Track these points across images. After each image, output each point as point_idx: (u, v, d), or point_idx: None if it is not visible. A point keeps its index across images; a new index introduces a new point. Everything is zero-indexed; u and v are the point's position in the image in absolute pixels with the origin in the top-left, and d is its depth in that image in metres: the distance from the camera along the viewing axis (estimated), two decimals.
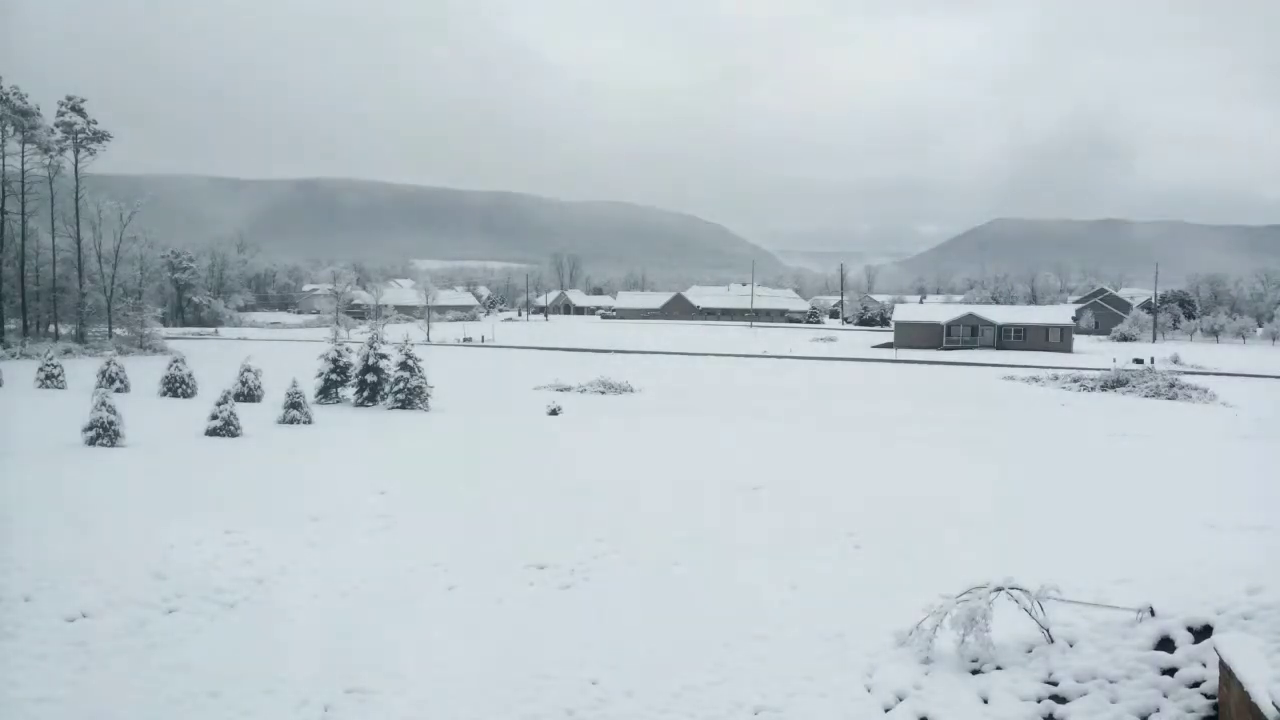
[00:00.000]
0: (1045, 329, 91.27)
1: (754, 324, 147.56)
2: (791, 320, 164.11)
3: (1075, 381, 54.25)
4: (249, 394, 33.57)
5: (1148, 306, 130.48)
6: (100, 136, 70.01)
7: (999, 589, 10.24)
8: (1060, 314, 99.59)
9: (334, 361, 36.13)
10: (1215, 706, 8.44)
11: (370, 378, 35.06)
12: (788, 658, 10.57)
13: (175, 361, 38.03)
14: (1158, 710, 8.66)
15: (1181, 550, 14.07)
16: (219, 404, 25.96)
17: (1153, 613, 9.86)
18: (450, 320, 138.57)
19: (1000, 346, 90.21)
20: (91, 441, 23.04)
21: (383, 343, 36.15)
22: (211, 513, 15.96)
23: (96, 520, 15.25)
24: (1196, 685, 8.72)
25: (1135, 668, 9.16)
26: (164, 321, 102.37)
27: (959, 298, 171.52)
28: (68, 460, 20.93)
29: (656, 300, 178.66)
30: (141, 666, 10.30)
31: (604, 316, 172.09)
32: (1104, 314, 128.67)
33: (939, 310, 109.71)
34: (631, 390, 45.70)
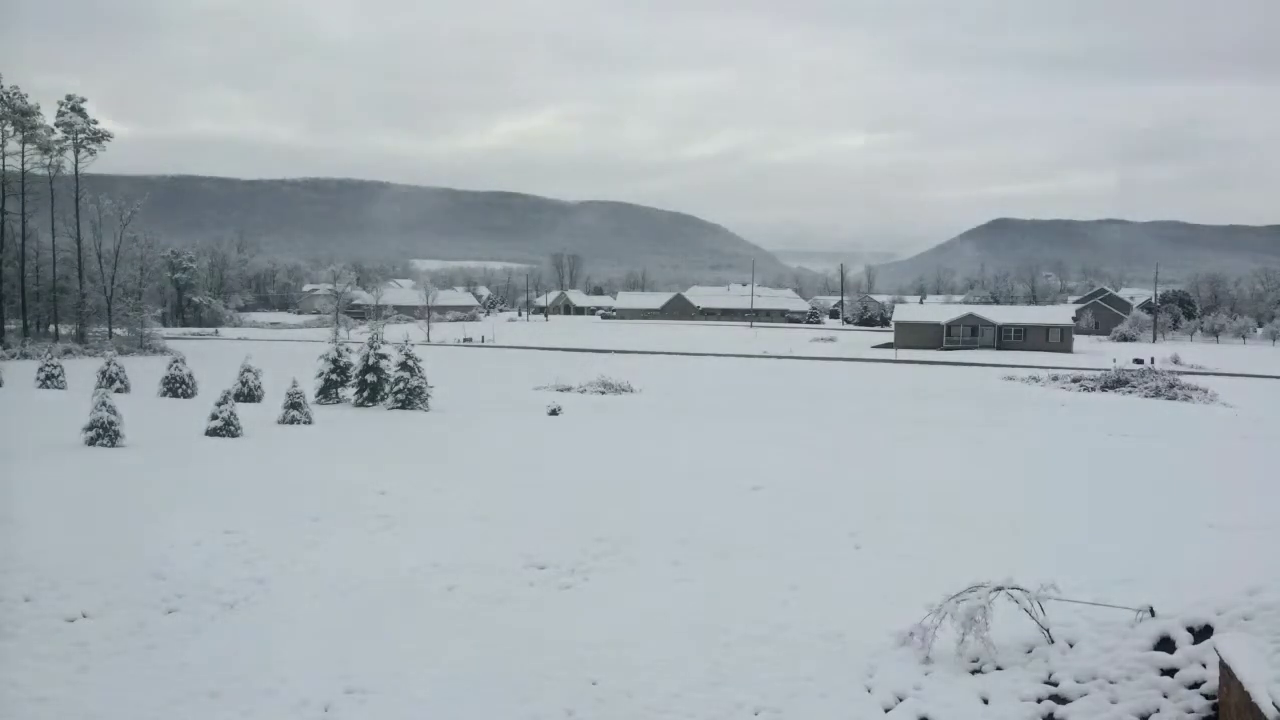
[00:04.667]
0: (1045, 329, 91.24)
1: (754, 324, 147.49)
2: (791, 320, 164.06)
3: (1075, 382, 54.20)
4: (249, 394, 33.56)
5: (1148, 307, 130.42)
6: (100, 136, 70.00)
7: (999, 589, 10.24)
8: (1060, 314, 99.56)
9: (334, 362, 36.12)
10: (1215, 707, 8.44)
11: (370, 378, 35.05)
12: (788, 658, 10.57)
13: (175, 362, 38.03)
14: (1158, 711, 8.65)
15: (1182, 550, 14.07)
16: (219, 404, 25.96)
17: (1153, 613, 9.86)
18: (450, 320, 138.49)
19: (1000, 346, 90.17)
20: (91, 441, 23.03)
21: (383, 343, 36.12)
22: (211, 513, 15.96)
23: (96, 520, 15.26)
24: (1196, 686, 8.72)
25: (1135, 668, 9.16)
26: (164, 321, 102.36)
27: (959, 298, 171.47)
28: (68, 460, 20.92)
29: (656, 300, 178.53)
30: (141, 666, 10.30)
31: (604, 317, 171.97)
32: (1104, 314, 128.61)
33: (939, 310, 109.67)
34: (631, 390, 45.67)
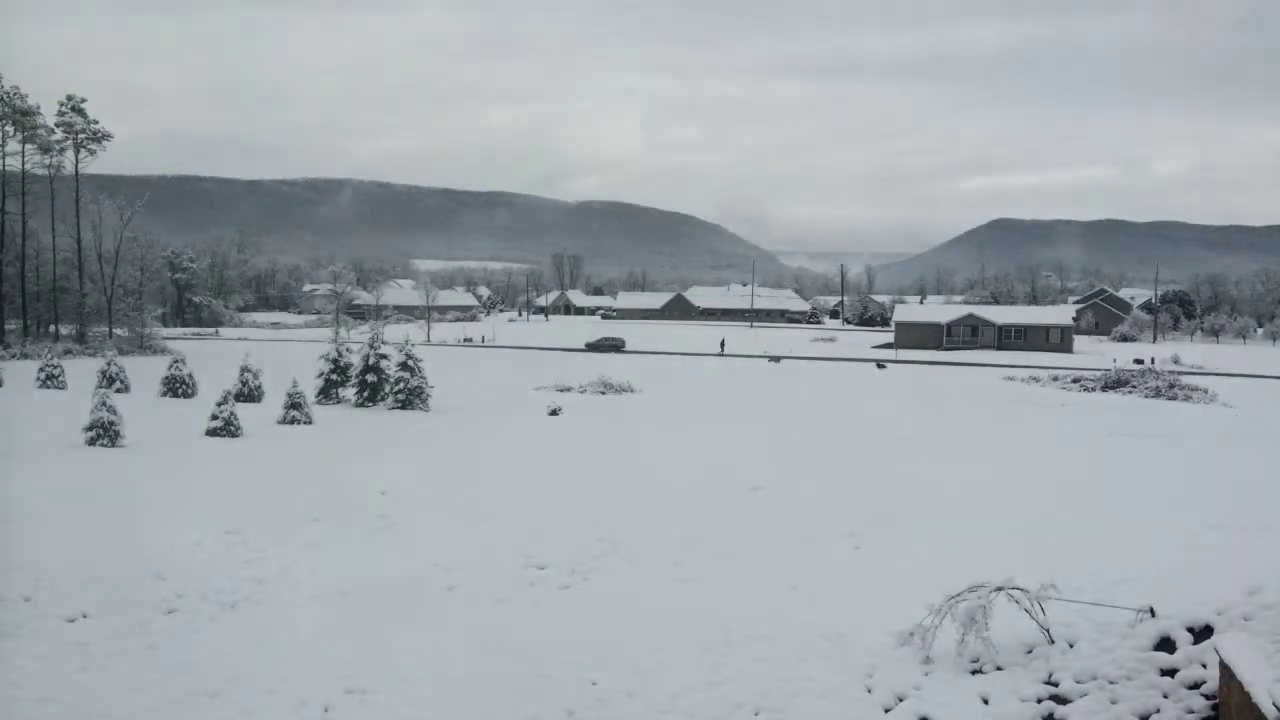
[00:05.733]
0: (1045, 329, 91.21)
1: (754, 324, 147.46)
2: (792, 320, 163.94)
3: (1075, 382, 54.15)
4: (249, 394, 33.56)
5: (1148, 307, 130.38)
6: (100, 136, 69.90)
7: (999, 589, 10.24)
8: (1060, 314, 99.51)
9: (334, 362, 36.13)
10: (1215, 707, 8.43)
11: (370, 378, 35.05)
12: (788, 658, 10.57)
13: (176, 362, 38.04)
14: (1158, 711, 8.65)
15: (1182, 550, 14.07)
16: (219, 404, 25.97)
17: (1153, 613, 9.86)
18: (451, 320, 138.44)
19: (1000, 347, 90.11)
20: (92, 442, 23.04)
21: (383, 343, 36.14)
22: (211, 513, 15.97)
23: (96, 520, 15.27)
24: (1196, 686, 8.72)
25: (1135, 668, 9.16)
26: (164, 322, 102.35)
27: (959, 298, 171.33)
28: (68, 460, 20.93)
29: (656, 300, 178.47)
30: (141, 666, 10.30)
31: (604, 317, 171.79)
32: (1104, 314, 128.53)
33: (939, 310, 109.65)
34: (632, 391, 45.65)
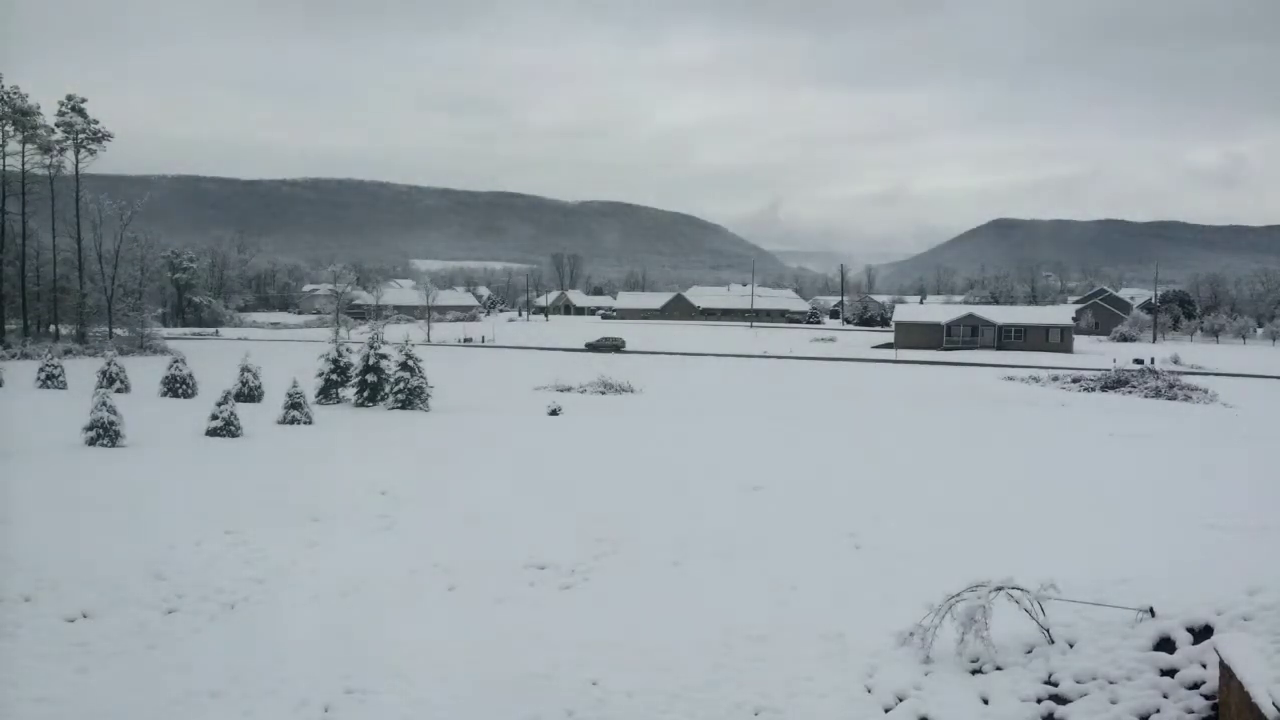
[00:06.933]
0: (1045, 329, 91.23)
1: (754, 324, 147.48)
2: (791, 320, 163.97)
3: (1075, 382, 54.19)
4: (249, 394, 33.57)
5: (1148, 307, 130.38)
6: (100, 136, 69.90)
7: (999, 589, 10.24)
8: (1060, 314, 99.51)
9: (334, 362, 36.12)
10: (1215, 707, 8.43)
11: (370, 378, 35.05)
12: (788, 658, 10.57)
13: (176, 362, 38.05)
14: (1158, 711, 8.65)
15: (1181, 550, 14.05)
16: (219, 404, 25.97)
17: (1153, 613, 9.85)
18: (451, 320, 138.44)
19: (1000, 347, 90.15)
20: (92, 442, 23.04)
21: (383, 343, 36.15)
22: (211, 513, 15.97)
23: (96, 520, 15.27)
24: (1196, 686, 8.72)
25: (1135, 668, 9.16)
26: (164, 322, 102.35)
27: (959, 298, 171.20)
28: (68, 460, 20.93)
29: (657, 300, 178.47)
30: (141, 666, 10.30)
31: (604, 317, 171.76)
32: (1104, 314, 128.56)
33: (939, 310, 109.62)
34: (632, 390, 45.67)
